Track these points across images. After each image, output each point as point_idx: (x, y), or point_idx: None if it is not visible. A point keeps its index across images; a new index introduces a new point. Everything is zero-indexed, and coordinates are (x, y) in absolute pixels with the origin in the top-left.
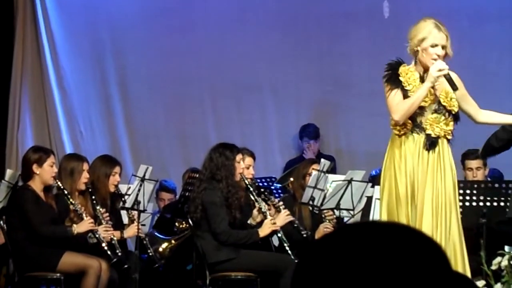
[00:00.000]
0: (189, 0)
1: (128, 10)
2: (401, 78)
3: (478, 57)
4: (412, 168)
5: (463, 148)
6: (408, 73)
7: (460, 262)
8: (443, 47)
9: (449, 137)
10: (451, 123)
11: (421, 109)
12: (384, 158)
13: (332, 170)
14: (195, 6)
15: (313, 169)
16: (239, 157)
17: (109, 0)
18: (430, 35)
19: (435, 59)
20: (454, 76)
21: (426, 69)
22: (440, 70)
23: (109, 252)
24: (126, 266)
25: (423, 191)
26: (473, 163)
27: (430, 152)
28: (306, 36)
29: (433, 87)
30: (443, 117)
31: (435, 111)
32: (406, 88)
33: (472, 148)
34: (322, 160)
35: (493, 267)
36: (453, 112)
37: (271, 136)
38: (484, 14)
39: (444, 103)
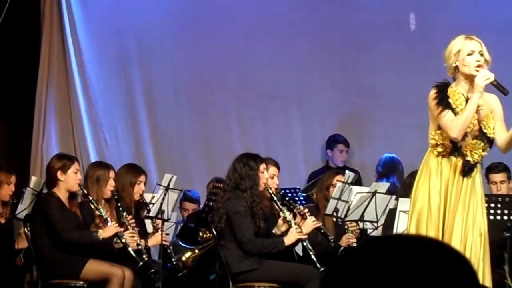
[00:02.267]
0: (216, 9)
1: (154, 19)
2: (450, 100)
3: (505, 70)
4: (446, 190)
5: (487, 162)
6: (456, 95)
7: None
8: (481, 54)
9: (481, 161)
10: (487, 149)
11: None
12: (418, 174)
13: (357, 182)
14: (222, 15)
15: (337, 180)
16: (262, 167)
17: (136, 9)
18: (463, 46)
19: (478, 66)
20: (495, 104)
21: (471, 81)
22: (486, 79)
23: (135, 255)
24: (153, 270)
25: (454, 215)
26: (497, 177)
27: (466, 177)
28: (332, 46)
29: (477, 112)
30: (482, 143)
31: (476, 137)
32: (455, 110)
33: (495, 161)
34: (347, 171)
35: None
36: (491, 138)
37: (296, 146)
38: (510, 27)
39: (484, 130)
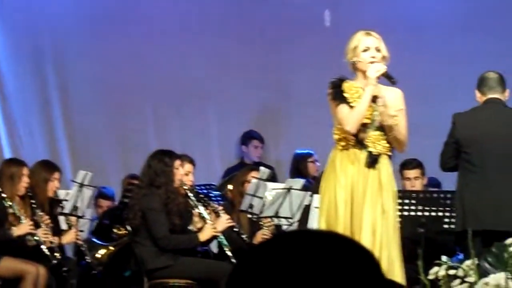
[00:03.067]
0: (132, 7)
1: (69, 16)
2: (345, 95)
3: (418, 67)
4: (352, 183)
5: (401, 158)
6: (352, 89)
7: (398, 273)
8: (378, 50)
9: (389, 153)
10: None
11: (363, 126)
12: (324, 171)
13: (272, 178)
14: (138, 13)
15: (252, 176)
16: (177, 163)
17: (50, 6)
18: (360, 42)
19: (372, 62)
20: (397, 97)
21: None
22: (377, 71)
23: (48, 253)
24: (65, 269)
25: (362, 207)
26: (411, 173)
27: (371, 168)
28: (248, 43)
29: (377, 104)
30: (384, 135)
31: (377, 129)
32: (352, 104)
33: (410, 158)
34: (262, 168)
35: (431, 277)
36: None
37: (212, 143)
38: (423, 24)
39: None
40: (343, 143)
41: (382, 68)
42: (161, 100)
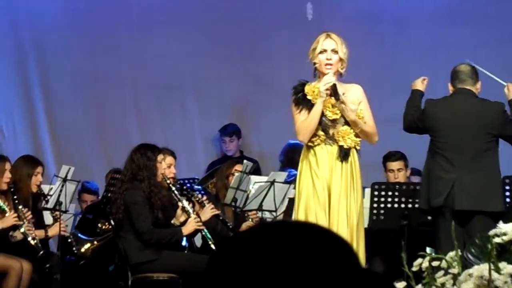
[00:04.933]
0: (112, 0)
1: (50, 10)
2: (309, 97)
3: (400, 60)
4: (327, 177)
5: (384, 151)
6: (315, 90)
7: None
8: (335, 52)
9: (358, 147)
10: None
11: (332, 122)
12: (299, 166)
13: (256, 171)
14: (118, 6)
15: (235, 170)
16: (160, 157)
17: (30, 1)
18: (318, 44)
19: (328, 65)
20: (358, 92)
21: None
22: (325, 84)
23: (33, 243)
24: (48, 265)
25: (338, 201)
26: (394, 165)
27: (344, 162)
28: (228, 36)
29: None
30: (353, 129)
31: (346, 123)
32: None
33: (392, 150)
34: (245, 161)
35: (414, 269)
36: None
37: (194, 137)
38: (405, 17)
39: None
40: (314, 139)
41: (330, 81)
42: (142, 94)
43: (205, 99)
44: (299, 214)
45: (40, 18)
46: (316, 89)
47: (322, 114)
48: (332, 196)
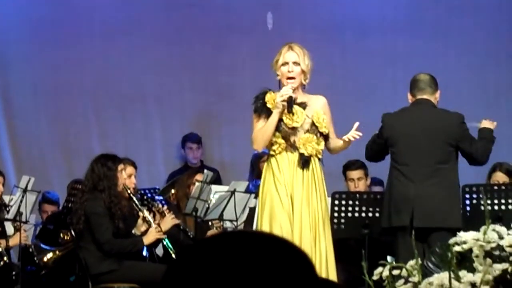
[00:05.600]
0: (74, 12)
1: (11, 23)
2: (268, 105)
3: (361, 69)
4: (289, 184)
5: (344, 160)
6: (276, 99)
7: (331, 272)
8: (297, 64)
9: (320, 156)
10: (322, 143)
11: (293, 129)
12: (263, 175)
13: (217, 181)
14: (80, 18)
15: (196, 180)
16: (120, 167)
17: None
18: (281, 56)
19: (289, 78)
20: (322, 103)
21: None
22: (281, 95)
23: None
24: (14, 273)
25: (301, 208)
26: (354, 174)
27: (305, 170)
28: (190, 47)
29: (304, 108)
30: (315, 137)
31: (307, 131)
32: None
33: (352, 159)
34: (205, 171)
35: (375, 277)
36: (324, 133)
37: (155, 147)
38: (366, 27)
39: (316, 124)
40: (275, 147)
41: (287, 93)
42: (104, 104)
43: (167, 109)
44: (263, 222)
45: (1, 29)
46: (277, 98)
47: (282, 122)
48: (295, 204)
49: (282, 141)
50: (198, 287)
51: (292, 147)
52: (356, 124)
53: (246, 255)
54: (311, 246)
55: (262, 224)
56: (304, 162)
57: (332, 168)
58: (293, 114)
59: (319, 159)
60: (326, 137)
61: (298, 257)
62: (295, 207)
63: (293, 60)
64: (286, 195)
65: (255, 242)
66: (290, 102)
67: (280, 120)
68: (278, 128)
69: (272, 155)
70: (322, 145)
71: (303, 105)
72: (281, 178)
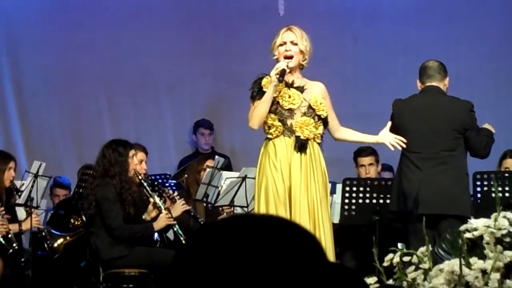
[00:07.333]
0: None
1: (23, 6)
2: (264, 90)
3: (372, 56)
4: (286, 169)
5: (356, 146)
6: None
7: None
8: (294, 44)
9: (319, 141)
10: (321, 127)
11: (290, 112)
12: (259, 159)
13: (227, 167)
14: (91, 3)
15: (207, 165)
16: (132, 152)
17: None
18: (278, 37)
19: (287, 57)
20: (321, 89)
21: (289, 69)
22: (275, 68)
23: (4, 243)
24: (23, 259)
25: (299, 193)
26: (365, 160)
27: (302, 154)
28: (202, 33)
29: (302, 92)
30: (312, 120)
31: (304, 114)
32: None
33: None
34: (216, 157)
35: (385, 264)
36: (322, 116)
37: (166, 133)
38: (378, 14)
39: (314, 107)
40: (272, 131)
41: (280, 66)
42: (115, 90)
43: (178, 96)
44: (260, 206)
45: (14, 14)
46: None
47: (278, 104)
48: (293, 189)
49: (279, 124)
50: (207, 271)
51: (289, 131)
52: (389, 124)
53: (255, 238)
54: None
55: (260, 208)
56: (300, 145)
57: (343, 154)
58: (289, 96)
59: (318, 143)
60: (325, 122)
61: (308, 240)
62: (293, 194)
63: (291, 40)
64: (282, 182)
65: (264, 225)
66: (282, 75)
67: (277, 102)
68: (275, 111)
69: (270, 139)
70: (320, 129)
71: (300, 89)
72: (277, 164)
